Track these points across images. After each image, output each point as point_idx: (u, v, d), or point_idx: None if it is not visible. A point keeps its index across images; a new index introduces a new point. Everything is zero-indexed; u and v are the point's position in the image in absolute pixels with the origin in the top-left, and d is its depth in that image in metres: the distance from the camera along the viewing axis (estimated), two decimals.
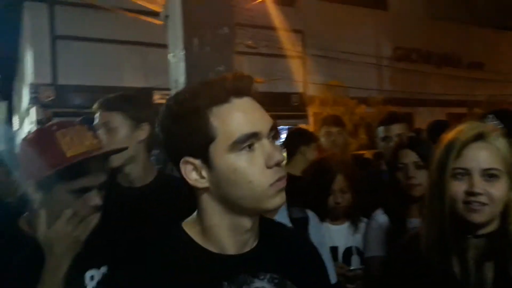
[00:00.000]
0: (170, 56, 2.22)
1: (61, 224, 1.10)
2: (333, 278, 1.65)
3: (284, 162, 0.85)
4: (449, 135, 1.17)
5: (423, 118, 4.59)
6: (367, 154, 7.21)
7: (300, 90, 11.88)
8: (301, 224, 1.62)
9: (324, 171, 1.94)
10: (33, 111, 9.07)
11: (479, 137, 1.13)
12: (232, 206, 0.85)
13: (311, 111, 11.48)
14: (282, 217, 1.56)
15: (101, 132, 1.53)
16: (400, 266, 1.26)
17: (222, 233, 0.86)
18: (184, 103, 0.82)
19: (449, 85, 13.55)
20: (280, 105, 10.95)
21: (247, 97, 0.85)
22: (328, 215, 1.95)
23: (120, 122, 1.54)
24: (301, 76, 11.80)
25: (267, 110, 1.51)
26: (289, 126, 6.60)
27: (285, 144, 2.81)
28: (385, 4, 13.65)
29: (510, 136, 1.17)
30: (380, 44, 13.09)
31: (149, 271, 0.81)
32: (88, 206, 1.15)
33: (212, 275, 0.83)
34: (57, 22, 9.26)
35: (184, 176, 0.84)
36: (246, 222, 0.87)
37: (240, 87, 0.83)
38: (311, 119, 11.41)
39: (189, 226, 0.90)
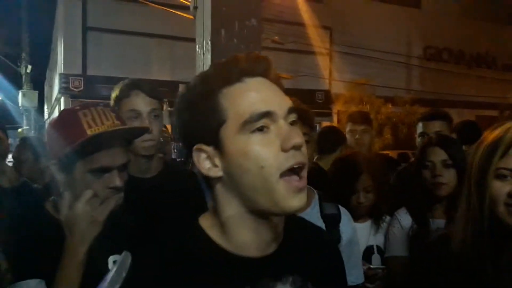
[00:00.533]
0: (197, 47, 2.21)
1: (80, 205, 1.11)
2: (360, 278, 1.61)
3: (304, 147, 0.74)
4: (494, 133, 1.10)
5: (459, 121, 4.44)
6: (392, 154, 7.07)
7: (326, 87, 11.77)
8: (333, 220, 1.57)
9: (348, 169, 1.89)
10: (62, 100, 9.32)
11: None
12: (248, 202, 0.75)
13: (335, 108, 11.36)
14: (314, 212, 1.53)
15: (147, 117, 1.52)
16: (428, 266, 1.22)
17: (242, 233, 0.78)
18: (195, 88, 0.77)
19: (481, 87, 13.15)
20: (304, 102, 10.78)
21: (261, 77, 0.76)
22: (350, 213, 1.91)
23: (162, 111, 1.58)
24: (327, 73, 11.69)
25: None
26: None
27: (320, 142, 2.76)
28: (418, 2, 13.34)
29: None
30: (410, 42, 12.80)
31: (164, 269, 0.76)
32: (108, 187, 1.14)
33: (233, 278, 0.76)
34: (89, 13, 9.47)
35: (197, 165, 0.77)
36: (268, 223, 0.78)
37: (254, 68, 0.76)
38: (335, 117, 11.29)
39: (206, 222, 0.81)
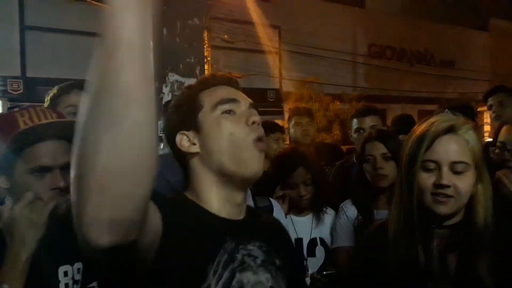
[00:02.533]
0: None
1: (18, 208, 1.07)
2: None
3: (260, 123, 0.98)
4: (421, 127, 1.17)
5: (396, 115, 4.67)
6: None
7: (277, 86, 11.91)
8: (267, 212, 1.66)
9: (284, 165, 1.97)
10: (0, 104, 8.77)
11: (450, 129, 1.14)
12: (217, 167, 0.95)
13: (286, 107, 11.53)
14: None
15: None
16: (367, 254, 1.28)
17: (216, 199, 0.97)
18: (182, 94, 1.05)
19: (421, 83, 13.86)
20: (256, 100, 10.78)
21: (230, 87, 1.05)
22: (292, 208, 1.96)
23: None
24: (277, 72, 11.84)
25: None
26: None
27: None
28: (362, 1, 13.82)
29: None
30: (355, 41, 13.24)
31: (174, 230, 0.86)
32: (51, 188, 1.11)
33: (215, 230, 0.94)
34: (27, 12, 8.97)
35: (179, 145, 0.99)
36: (236, 195, 0.98)
37: (225, 81, 1.04)
38: (286, 115, 11.46)
39: (188, 195, 1.00)
